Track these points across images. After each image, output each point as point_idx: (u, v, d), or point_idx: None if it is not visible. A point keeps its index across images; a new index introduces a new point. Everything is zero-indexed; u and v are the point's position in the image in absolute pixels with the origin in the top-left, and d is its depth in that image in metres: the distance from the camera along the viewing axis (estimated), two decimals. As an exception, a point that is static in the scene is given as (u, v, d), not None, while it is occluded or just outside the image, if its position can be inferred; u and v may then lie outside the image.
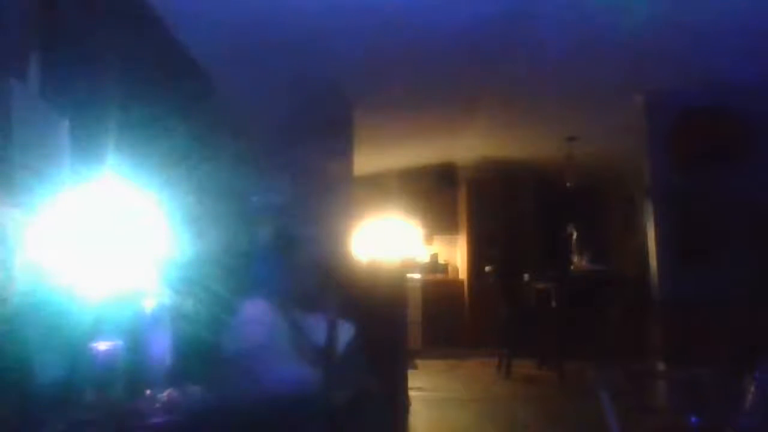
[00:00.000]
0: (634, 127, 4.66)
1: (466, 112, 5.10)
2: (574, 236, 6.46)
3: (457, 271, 7.67)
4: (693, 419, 2.07)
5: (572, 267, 6.33)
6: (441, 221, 7.64)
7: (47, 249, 1.57)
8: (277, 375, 2.06)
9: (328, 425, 2.03)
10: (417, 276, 7.13)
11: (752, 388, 1.90)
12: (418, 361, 5.88)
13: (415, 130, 5.67)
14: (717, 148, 4.38)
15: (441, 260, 7.65)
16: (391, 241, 7.29)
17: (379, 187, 7.30)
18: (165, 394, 1.71)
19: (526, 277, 6.34)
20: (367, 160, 5.76)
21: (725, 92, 4.21)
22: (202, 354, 1.98)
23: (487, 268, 6.12)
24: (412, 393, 4.03)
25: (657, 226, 4.50)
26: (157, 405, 1.67)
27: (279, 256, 2.30)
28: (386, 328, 3.33)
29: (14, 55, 1.59)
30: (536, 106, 4.98)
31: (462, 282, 7.46)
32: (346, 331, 2.37)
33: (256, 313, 2.18)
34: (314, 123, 4.47)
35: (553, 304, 5.76)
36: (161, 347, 1.88)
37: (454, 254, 7.79)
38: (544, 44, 3.53)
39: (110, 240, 1.75)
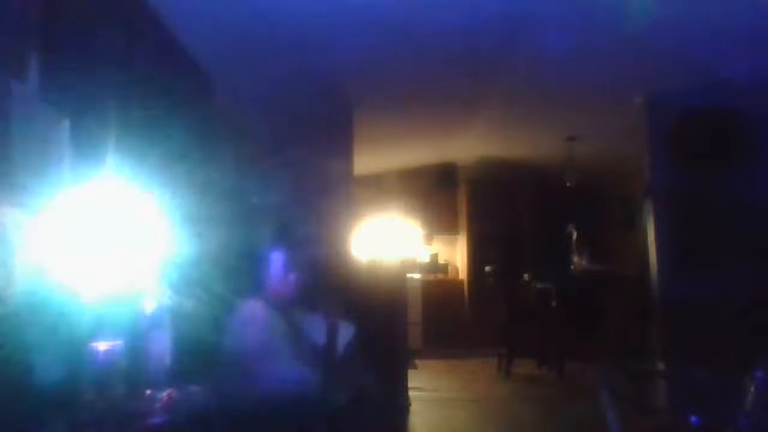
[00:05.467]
0: (634, 127, 4.66)
1: (466, 112, 5.10)
2: (574, 236, 6.45)
3: (457, 271, 7.67)
4: (693, 419, 2.07)
5: (572, 267, 6.33)
6: (441, 221, 7.63)
7: (47, 249, 1.57)
8: (277, 375, 2.06)
9: (328, 425, 2.02)
10: (417, 276, 7.13)
11: (752, 388, 1.90)
12: (418, 361, 5.89)
13: (415, 130, 5.67)
14: (717, 148, 4.38)
15: (441, 260, 7.65)
16: (391, 241, 7.29)
17: (379, 187, 7.30)
18: (165, 394, 1.71)
19: (526, 277, 6.34)
20: (367, 160, 5.76)
21: (725, 92, 4.21)
22: (202, 354, 1.98)
23: (487, 268, 6.11)
24: (412, 393, 4.03)
25: (657, 226, 4.50)
26: (157, 405, 1.67)
27: (279, 257, 2.30)
28: (386, 328, 3.33)
29: (14, 55, 1.59)
30: (536, 106, 4.98)
31: (462, 282, 7.45)
32: (346, 331, 2.37)
33: (256, 314, 2.18)
34: (314, 123, 4.47)
35: (553, 304, 5.76)
36: (161, 347, 1.89)
37: (454, 254, 7.79)
38: (545, 44, 3.52)
39: (110, 240, 1.75)
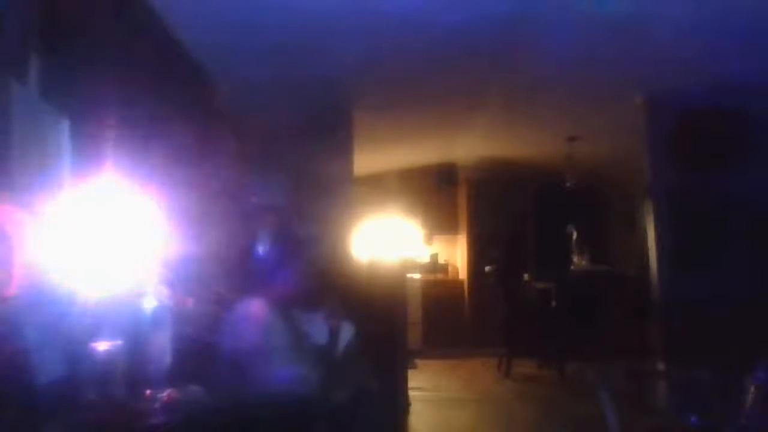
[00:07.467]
0: (634, 127, 4.66)
1: (466, 112, 5.10)
2: (574, 236, 6.45)
3: (457, 271, 7.67)
4: (693, 419, 2.07)
5: (572, 267, 6.33)
6: (441, 221, 7.63)
7: (47, 249, 1.57)
8: (277, 375, 2.06)
9: (328, 425, 2.02)
10: (417, 276, 7.12)
11: (752, 388, 1.90)
12: (418, 361, 5.89)
13: (415, 130, 5.67)
14: (717, 148, 4.37)
15: (441, 260, 7.65)
16: (391, 241, 7.28)
17: (379, 187, 7.29)
18: (165, 394, 1.71)
19: (526, 277, 6.34)
20: (367, 160, 5.75)
21: (725, 92, 4.21)
22: (202, 354, 1.98)
23: (487, 268, 6.11)
24: (412, 393, 4.03)
25: (657, 226, 4.50)
26: (157, 405, 1.67)
27: (279, 257, 2.30)
28: (386, 328, 3.33)
29: (14, 55, 1.59)
30: (536, 106, 4.98)
31: (462, 282, 7.45)
32: (346, 331, 2.37)
33: (256, 314, 2.18)
34: (314, 123, 4.46)
35: (553, 304, 5.76)
36: (161, 347, 1.89)
37: (454, 254, 7.79)
38: (545, 44, 3.52)
39: (110, 240, 1.75)
